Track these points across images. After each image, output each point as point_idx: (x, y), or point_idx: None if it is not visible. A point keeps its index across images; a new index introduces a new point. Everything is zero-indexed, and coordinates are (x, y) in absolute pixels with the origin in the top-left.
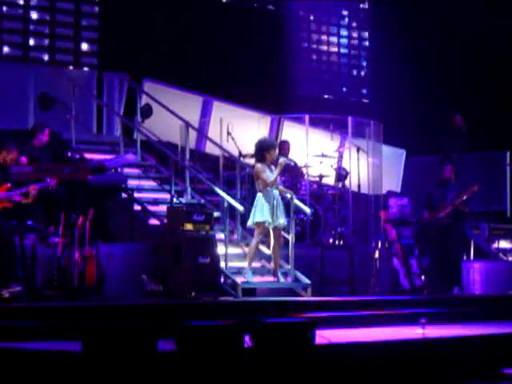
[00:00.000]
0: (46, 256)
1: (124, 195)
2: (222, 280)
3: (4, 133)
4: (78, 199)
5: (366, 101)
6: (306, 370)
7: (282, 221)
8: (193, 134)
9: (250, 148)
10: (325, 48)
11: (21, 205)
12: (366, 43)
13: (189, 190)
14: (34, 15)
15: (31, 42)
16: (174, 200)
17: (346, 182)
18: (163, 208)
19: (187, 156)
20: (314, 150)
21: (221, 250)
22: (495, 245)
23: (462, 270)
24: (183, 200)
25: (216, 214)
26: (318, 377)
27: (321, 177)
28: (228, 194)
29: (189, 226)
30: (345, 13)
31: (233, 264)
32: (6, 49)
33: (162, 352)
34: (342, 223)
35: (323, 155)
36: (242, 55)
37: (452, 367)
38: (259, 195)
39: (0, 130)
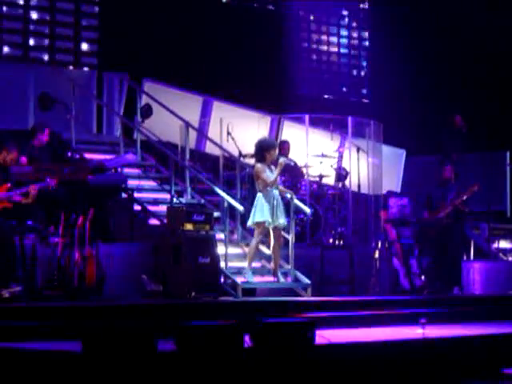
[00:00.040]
0: (45, 256)
1: (124, 195)
2: (222, 280)
3: (4, 133)
4: (78, 199)
5: (365, 101)
6: (306, 370)
7: (282, 221)
8: (193, 134)
9: (249, 148)
10: (325, 48)
11: (21, 205)
12: (366, 43)
13: (189, 190)
14: (34, 15)
15: (31, 41)
16: (174, 200)
17: (346, 182)
18: (163, 208)
19: (187, 156)
20: (314, 149)
21: (221, 250)
22: (495, 245)
23: (462, 269)
24: (183, 200)
25: (216, 213)
26: (318, 377)
27: (321, 177)
28: (228, 194)
29: (189, 226)
30: (345, 13)
31: (233, 264)
32: (6, 49)
33: (161, 352)
34: (342, 223)
35: (323, 155)
36: (242, 55)
37: (452, 367)
38: (259, 195)
39: (0, 130)
